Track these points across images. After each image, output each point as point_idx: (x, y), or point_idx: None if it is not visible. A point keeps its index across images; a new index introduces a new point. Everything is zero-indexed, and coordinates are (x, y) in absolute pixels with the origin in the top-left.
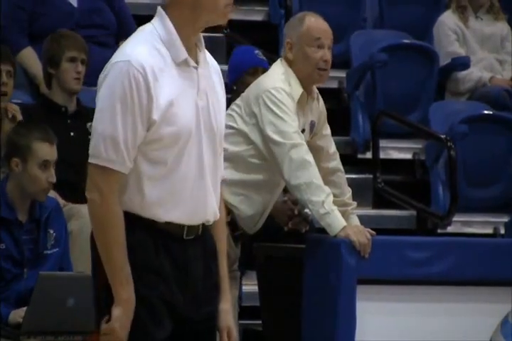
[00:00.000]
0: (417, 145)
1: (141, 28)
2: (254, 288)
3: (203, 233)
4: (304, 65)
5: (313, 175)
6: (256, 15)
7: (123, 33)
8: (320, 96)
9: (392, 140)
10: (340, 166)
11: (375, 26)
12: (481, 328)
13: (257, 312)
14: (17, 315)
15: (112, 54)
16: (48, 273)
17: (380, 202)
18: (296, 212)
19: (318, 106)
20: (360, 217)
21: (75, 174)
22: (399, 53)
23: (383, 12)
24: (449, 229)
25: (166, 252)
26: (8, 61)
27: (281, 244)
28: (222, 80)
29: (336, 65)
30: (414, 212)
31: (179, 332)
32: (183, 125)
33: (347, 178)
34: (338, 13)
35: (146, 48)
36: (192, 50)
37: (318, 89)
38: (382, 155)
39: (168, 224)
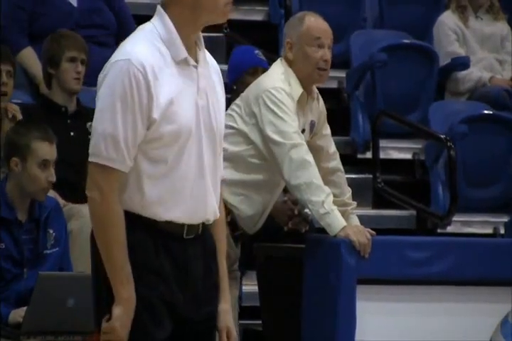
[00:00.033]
0: (416, 145)
1: (140, 26)
2: (254, 288)
3: (203, 232)
4: (304, 65)
5: (313, 175)
6: (256, 15)
7: (123, 33)
8: (320, 96)
9: (392, 140)
10: (340, 166)
11: (375, 26)
12: (480, 328)
13: (257, 313)
14: (17, 314)
15: (112, 54)
16: (47, 273)
17: (380, 202)
18: (296, 212)
19: (318, 106)
20: (360, 217)
21: (75, 174)
22: (399, 53)
23: (383, 12)
24: (449, 229)
25: (165, 252)
26: (8, 61)
27: (281, 244)
28: (222, 80)
29: (335, 64)
30: (414, 212)
31: (179, 333)
32: (183, 123)
33: (347, 178)
34: (338, 13)
35: (146, 47)
36: (192, 49)
37: (318, 89)
38: (382, 155)
39: (168, 223)
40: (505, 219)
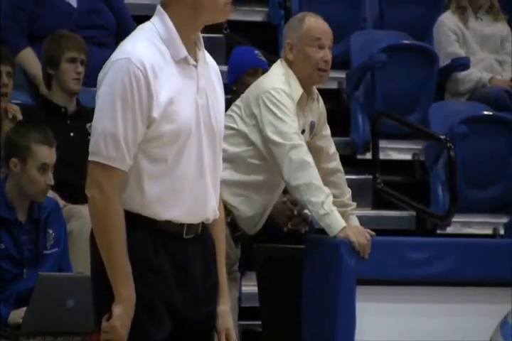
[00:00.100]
0: (416, 145)
1: (140, 26)
2: (254, 289)
3: (203, 232)
4: (304, 66)
5: (313, 175)
6: (256, 15)
7: (122, 33)
8: (320, 97)
9: (391, 140)
10: (340, 167)
11: (375, 26)
12: (480, 329)
13: (256, 313)
14: (17, 315)
15: (112, 54)
16: (47, 274)
17: (380, 203)
18: (295, 212)
19: (318, 107)
20: (360, 218)
21: (74, 174)
22: (399, 54)
23: (383, 12)
24: (449, 229)
25: (165, 251)
26: (7, 62)
27: (281, 244)
28: (221, 81)
29: (335, 65)
30: (413, 213)
31: (178, 332)
32: (183, 122)
33: (346, 179)
34: (338, 13)
35: (146, 46)
36: (191, 49)
37: (318, 89)
38: (381, 156)
39: (168, 222)
40: (505, 219)
